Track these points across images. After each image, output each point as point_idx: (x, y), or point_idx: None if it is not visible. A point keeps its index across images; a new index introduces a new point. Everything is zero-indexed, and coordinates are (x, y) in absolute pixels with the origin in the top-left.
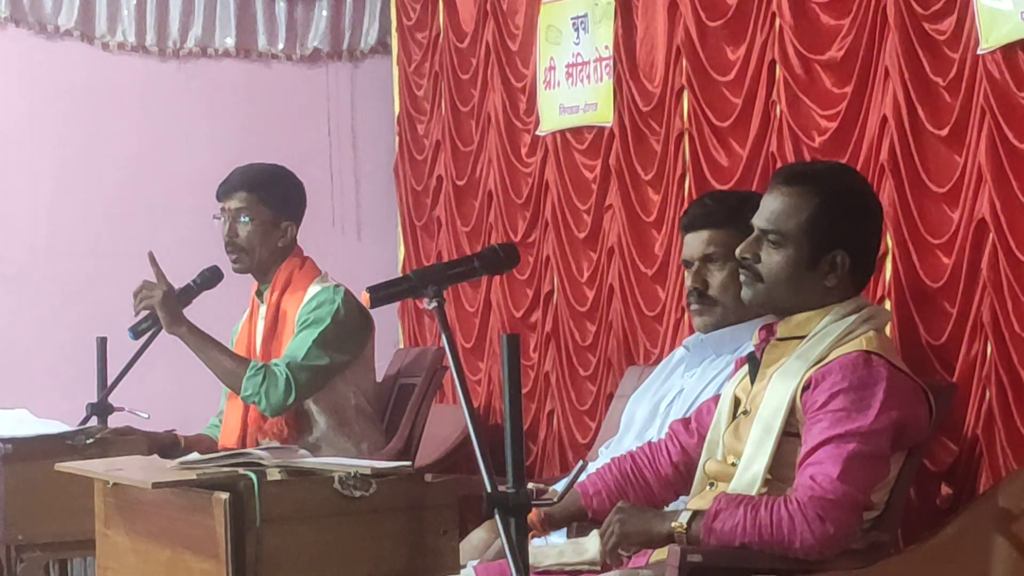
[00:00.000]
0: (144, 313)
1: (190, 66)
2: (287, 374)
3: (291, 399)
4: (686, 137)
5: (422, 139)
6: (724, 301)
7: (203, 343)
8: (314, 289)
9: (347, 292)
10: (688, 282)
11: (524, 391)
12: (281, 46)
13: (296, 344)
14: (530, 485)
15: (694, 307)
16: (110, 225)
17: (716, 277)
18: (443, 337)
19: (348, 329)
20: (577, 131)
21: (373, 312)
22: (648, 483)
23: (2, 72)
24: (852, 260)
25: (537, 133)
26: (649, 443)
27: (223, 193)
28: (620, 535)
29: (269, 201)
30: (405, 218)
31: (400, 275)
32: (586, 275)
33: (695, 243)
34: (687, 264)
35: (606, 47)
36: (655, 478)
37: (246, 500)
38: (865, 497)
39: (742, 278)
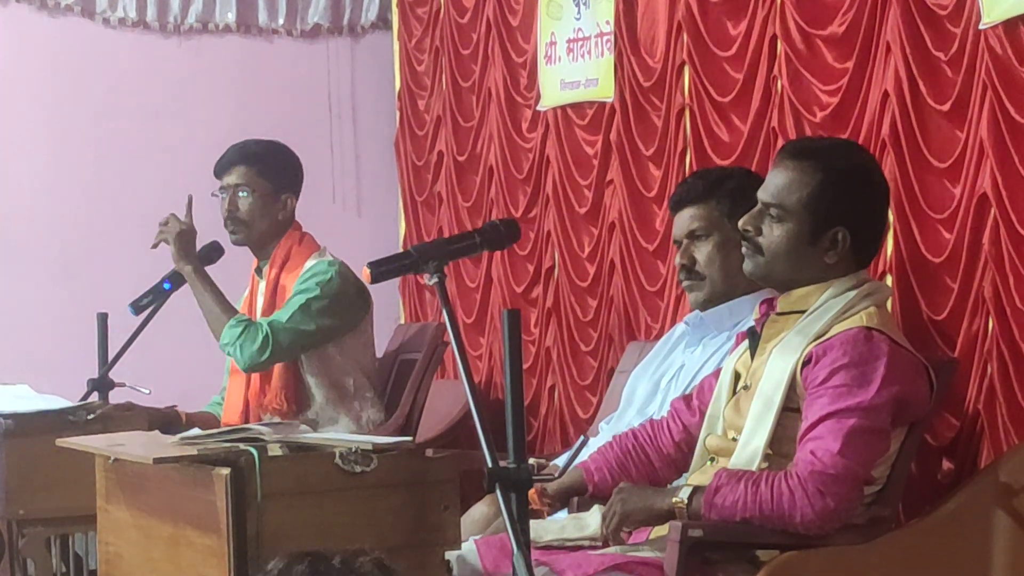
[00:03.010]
0: (143, 299)
1: (191, 41)
2: (267, 332)
3: (265, 356)
4: (687, 112)
5: (423, 114)
6: (710, 274)
7: (203, 285)
8: (311, 263)
9: (343, 266)
10: (677, 260)
11: (525, 366)
12: (282, 21)
13: (283, 308)
14: (531, 460)
15: (684, 284)
16: (111, 201)
17: (702, 252)
18: (444, 312)
19: (338, 299)
20: (578, 106)
21: (374, 288)
22: (650, 460)
23: (3, 48)
24: (853, 238)
25: (538, 108)
26: (651, 420)
27: (221, 169)
28: (622, 514)
29: (267, 174)
30: (406, 193)
31: (401, 250)
32: (587, 250)
33: (681, 221)
34: (677, 244)
35: (607, 22)
36: (657, 455)
37: (247, 475)
38: (866, 472)
39: (744, 250)
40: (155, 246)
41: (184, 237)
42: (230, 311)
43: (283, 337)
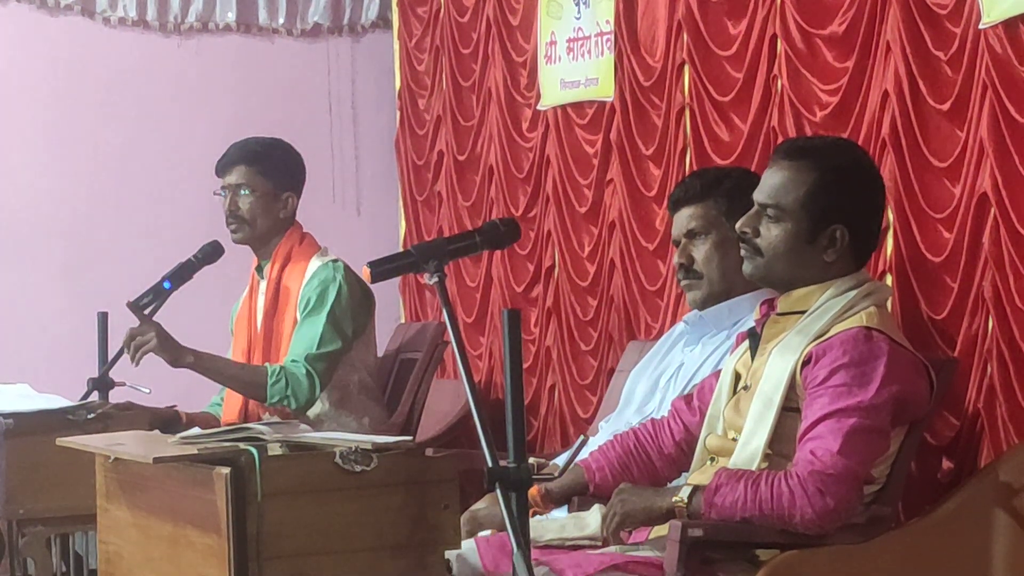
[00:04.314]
0: (143, 299)
1: (191, 41)
2: (306, 368)
3: (317, 391)
4: (687, 112)
5: (423, 114)
6: (708, 273)
7: (214, 365)
8: (314, 264)
9: (346, 268)
10: (675, 259)
11: (525, 366)
12: (282, 21)
13: (307, 333)
14: (531, 459)
15: (683, 283)
16: (111, 200)
17: (700, 251)
18: (444, 312)
19: (353, 307)
20: (578, 106)
21: (374, 287)
22: (651, 459)
23: (3, 48)
24: (851, 235)
25: (538, 108)
26: (652, 420)
27: (221, 168)
28: (623, 515)
29: (268, 173)
30: (406, 193)
31: (401, 250)
32: (587, 250)
33: (679, 221)
34: (675, 243)
35: (607, 21)
36: (658, 455)
37: (247, 475)
38: (865, 471)
39: (742, 252)
40: (138, 363)
41: (164, 341)
42: (255, 371)
43: (321, 366)
